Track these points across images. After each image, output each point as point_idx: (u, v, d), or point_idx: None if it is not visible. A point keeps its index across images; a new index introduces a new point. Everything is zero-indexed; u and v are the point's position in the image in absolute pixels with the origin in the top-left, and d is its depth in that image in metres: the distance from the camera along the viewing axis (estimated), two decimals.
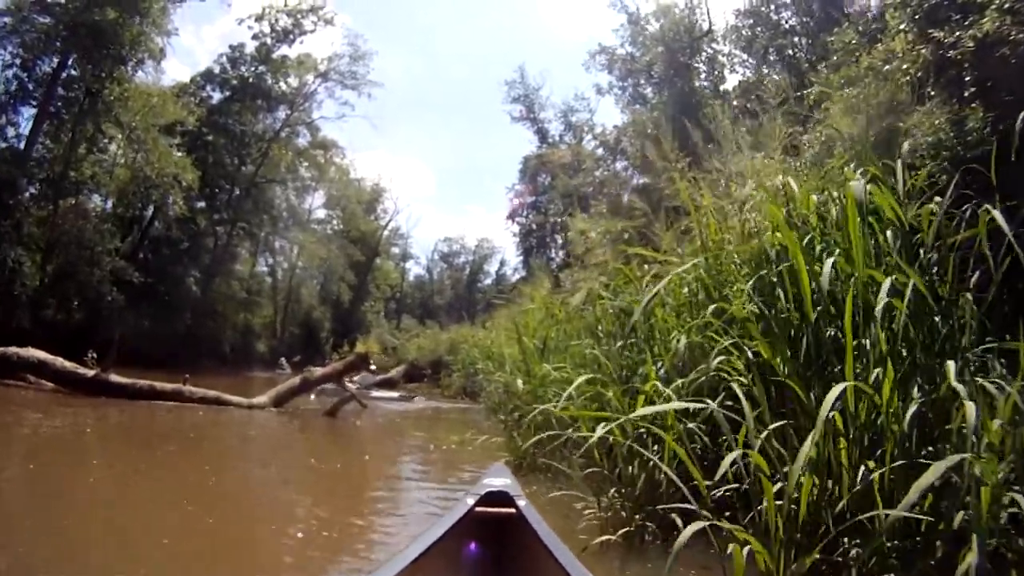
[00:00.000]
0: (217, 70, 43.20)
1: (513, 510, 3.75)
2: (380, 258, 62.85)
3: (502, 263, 72.09)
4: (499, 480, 4.13)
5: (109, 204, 35.48)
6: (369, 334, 43.41)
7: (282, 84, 44.73)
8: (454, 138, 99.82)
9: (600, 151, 38.16)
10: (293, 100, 45.51)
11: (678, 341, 5.58)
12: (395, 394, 20.33)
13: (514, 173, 51.56)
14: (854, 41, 12.23)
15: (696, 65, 30.57)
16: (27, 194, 29.68)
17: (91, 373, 13.89)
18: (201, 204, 40.35)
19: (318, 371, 17.10)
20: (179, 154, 34.48)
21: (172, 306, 35.74)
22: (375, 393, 21.54)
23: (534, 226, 47.95)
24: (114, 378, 13.97)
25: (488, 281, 72.01)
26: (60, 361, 14.00)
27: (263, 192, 45.10)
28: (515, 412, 8.98)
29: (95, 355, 14.44)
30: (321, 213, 57.81)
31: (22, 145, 30.29)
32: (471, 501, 3.76)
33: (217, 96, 42.90)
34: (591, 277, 12.33)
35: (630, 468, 5.34)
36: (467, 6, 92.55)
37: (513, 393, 9.58)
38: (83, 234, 30.32)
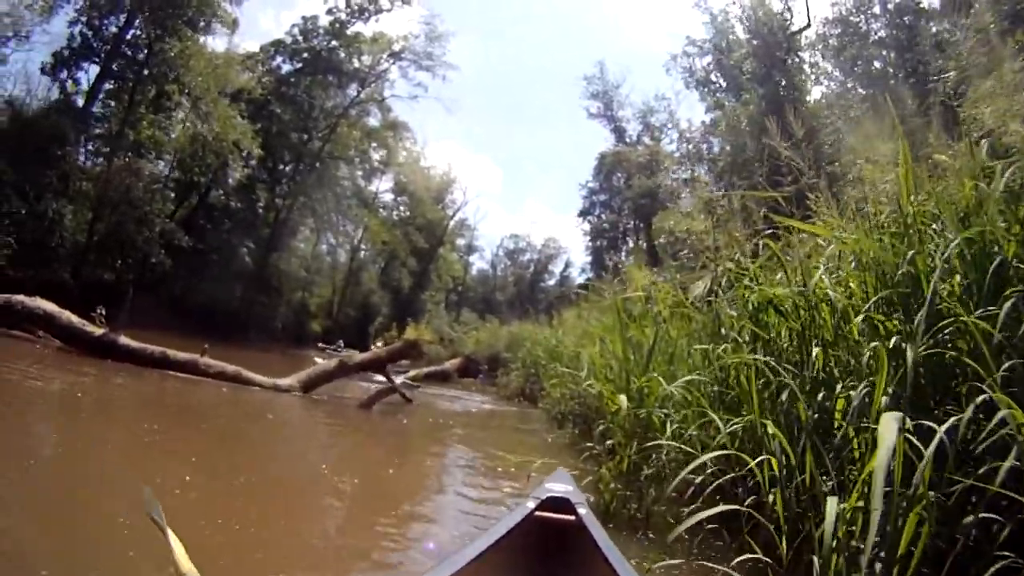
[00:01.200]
0: (288, 41, 41.68)
1: (573, 517, 3.65)
2: (444, 248, 61.37)
3: (567, 264, 71.12)
4: (560, 486, 4.05)
5: (164, 166, 34.42)
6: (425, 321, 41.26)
7: (355, 61, 43.03)
8: (524, 137, 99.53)
9: (684, 149, 35.58)
10: (365, 78, 43.74)
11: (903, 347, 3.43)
12: (415, 385, 17.37)
13: (584, 174, 50.04)
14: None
15: (792, 62, 28.24)
16: (82, 149, 29.53)
17: (99, 332, 12.11)
18: (263, 176, 39.22)
19: (359, 356, 14.88)
20: (241, 121, 33.02)
21: (223, 276, 34.61)
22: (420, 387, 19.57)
23: (606, 225, 45.95)
24: (123, 340, 12.16)
25: (552, 282, 70.98)
26: (68, 315, 12.25)
27: (328, 169, 43.43)
28: (608, 438, 6.52)
29: (103, 312, 12.49)
30: (388, 197, 56.38)
31: (81, 101, 30.62)
32: (531, 505, 3.69)
33: (287, 68, 41.63)
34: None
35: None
36: (545, 3, 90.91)
37: (607, 411, 7.14)
38: (133, 193, 29.32)
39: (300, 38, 41.33)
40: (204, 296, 31.58)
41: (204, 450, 7.17)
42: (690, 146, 32.79)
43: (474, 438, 11.75)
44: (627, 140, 47.75)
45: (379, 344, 15.20)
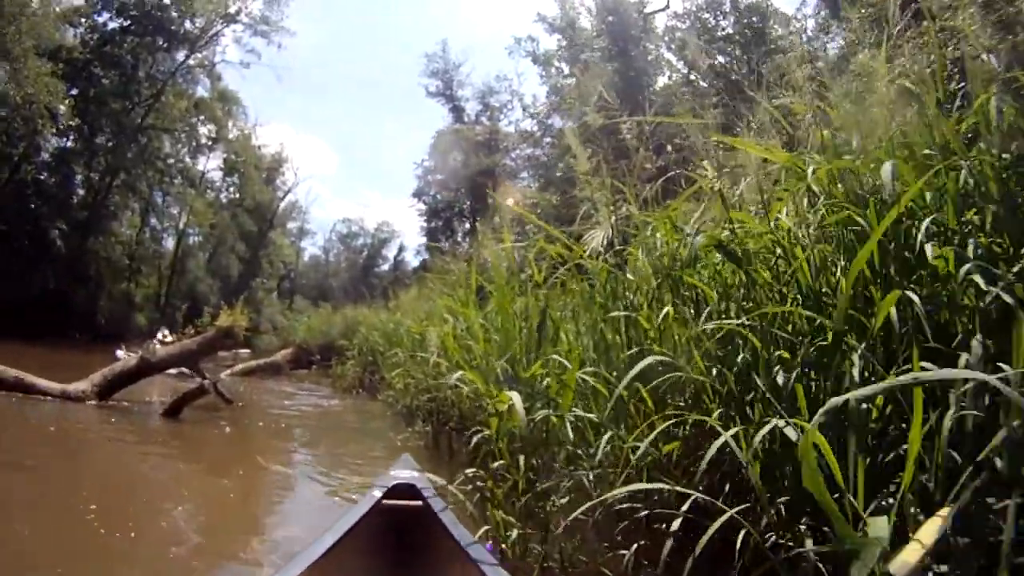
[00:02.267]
0: None
1: (420, 502, 3.74)
2: (275, 232, 58.95)
3: (401, 248, 70.59)
4: (406, 472, 4.13)
5: None
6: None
7: (186, 22, 39.20)
8: (358, 121, 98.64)
9: (528, 126, 34.57)
10: (195, 41, 40.05)
11: None
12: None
13: (419, 158, 48.54)
14: None
15: (645, 45, 27.73)
16: None
17: None
18: (79, 148, 35.65)
19: (163, 350, 12.69)
20: (55, 81, 28.90)
21: (33, 263, 30.64)
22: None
23: (442, 205, 44.71)
24: None
25: (386, 266, 69.85)
26: None
27: (151, 141, 39.70)
28: (490, 454, 4.87)
29: None
30: (216, 176, 52.94)
31: None
32: (378, 494, 3.72)
33: (113, 24, 37.30)
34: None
35: None
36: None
37: (481, 413, 5.69)
38: None
39: None
40: (10, 287, 27.89)
41: None
42: (534, 121, 31.65)
43: (311, 444, 9.98)
44: (465, 120, 46.79)
45: (190, 332, 12.76)
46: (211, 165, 51.41)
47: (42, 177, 33.39)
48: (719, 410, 3.15)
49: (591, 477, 3.73)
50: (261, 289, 55.81)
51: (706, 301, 3.86)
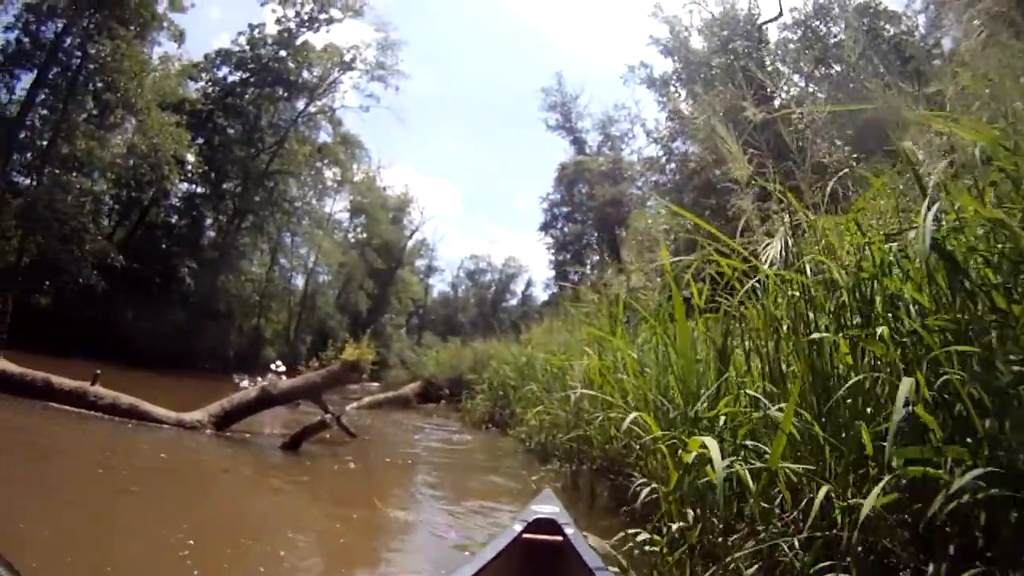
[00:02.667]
0: (234, 49, 38.87)
1: (560, 537, 3.64)
2: (403, 269, 59.18)
3: (529, 283, 70.16)
4: (547, 507, 4.03)
5: (96, 176, 30.86)
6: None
7: (304, 72, 40.33)
8: (482, 161, 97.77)
9: (652, 152, 33.39)
10: (314, 89, 41.08)
11: None
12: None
13: (544, 191, 48.30)
14: None
15: (761, 56, 26.25)
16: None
17: None
18: (207, 193, 36.86)
19: (286, 382, 12.21)
20: (177, 129, 30.22)
21: (165, 299, 31.52)
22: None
23: (570, 238, 44.28)
24: None
25: (514, 301, 68.88)
26: None
27: (277, 185, 40.63)
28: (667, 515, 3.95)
29: None
30: (343, 216, 54.37)
31: (15, 111, 28.15)
32: (518, 528, 3.68)
33: (232, 78, 38.74)
34: None
35: None
36: (500, 27, 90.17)
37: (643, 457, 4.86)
38: (59, 208, 26.73)
39: (247, 47, 38.72)
40: (145, 321, 28.64)
41: (65, 517, 5.04)
42: (658, 146, 30.45)
43: (437, 484, 9.17)
44: (587, 151, 46.12)
45: (315, 365, 12.20)
46: (338, 207, 52.43)
47: (172, 220, 34.78)
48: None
49: (796, 543, 2.93)
50: (390, 325, 56.19)
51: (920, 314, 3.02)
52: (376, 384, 24.03)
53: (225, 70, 38.46)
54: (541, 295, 56.81)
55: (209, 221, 37.77)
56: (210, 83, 37.51)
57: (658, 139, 30.31)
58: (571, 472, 8.25)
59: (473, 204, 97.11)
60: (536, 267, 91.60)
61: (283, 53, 38.89)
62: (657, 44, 31.88)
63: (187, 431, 9.99)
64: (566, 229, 45.04)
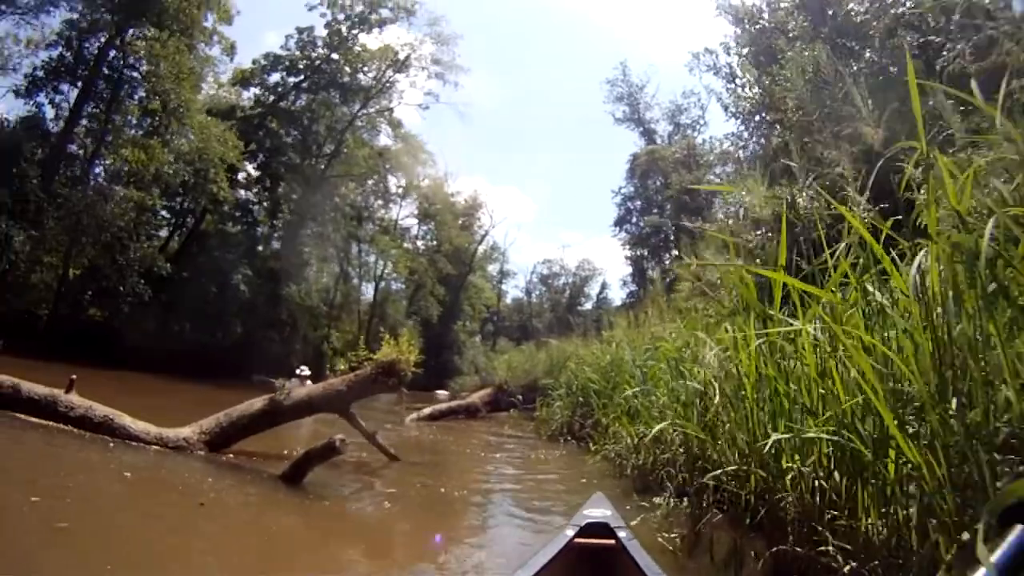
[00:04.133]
0: (284, 54, 37.66)
1: (613, 541, 3.60)
2: (474, 275, 57.82)
3: (603, 286, 68.13)
4: (599, 511, 3.99)
5: (145, 185, 29.50)
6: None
7: (359, 74, 39.07)
8: (551, 166, 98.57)
9: (732, 128, 30.26)
10: (369, 90, 39.59)
11: None
12: None
13: (617, 185, 45.23)
14: None
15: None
16: (42, 167, 26.00)
17: None
18: (258, 197, 36.45)
19: (302, 390, 9.52)
20: (222, 131, 29.41)
21: (220, 309, 30.33)
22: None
23: (647, 230, 41.63)
24: None
25: (588, 305, 65.81)
26: None
27: (337, 189, 39.40)
28: None
29: None
30: (410, 223, 53.20)
31: (60, 124, 27.83)
32: (571, 532, 3.61)
33: (284, 82, 37.58)
34: None
35: None
36: (563, 33, 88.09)
37: None
38: (102, 217, 25.91)
39: (297, 51, 37.41)
40: (201, 332, 27.07)
41: None
42: (738, 121, 27.10)
43: (497, 541, 6.30)
44: (657, 142, 43.97)
45: (343, 369, 9.49)
46: (404, 213, 51.52)
47: (227, 228, 33.54)
48: None
49: None
50: (462, 332, 54.77)
51: None
52: (445, 393, 21.56)
53: (276, 76, 37.58)
54: (617, 298, 54.42)
55: (265, 229, 37.11)
56: (261, 88, 36.95)
57: (737, 113, 26.92)
58: (692, 517, 5.41)
59: (545, 211, 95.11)
60: (611, 270, 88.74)
61: (335, 56, 37.71)
62: (725, 13, 28.70)
63: (171, 451, 7.91)
64: (641, 223, 42.80)
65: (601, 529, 3.68)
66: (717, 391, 5.20)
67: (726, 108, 27.39)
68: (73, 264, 26.42)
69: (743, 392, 4.85)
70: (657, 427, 6.41)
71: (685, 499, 5.82)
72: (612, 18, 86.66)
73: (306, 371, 28.16)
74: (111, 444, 7.62)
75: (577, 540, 3.57)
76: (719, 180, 34.54)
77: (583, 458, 10.68)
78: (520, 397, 18.96)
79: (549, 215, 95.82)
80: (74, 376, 8.26)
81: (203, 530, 5.25)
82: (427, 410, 17.79)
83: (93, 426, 7.84)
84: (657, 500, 6.26)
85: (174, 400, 8.43)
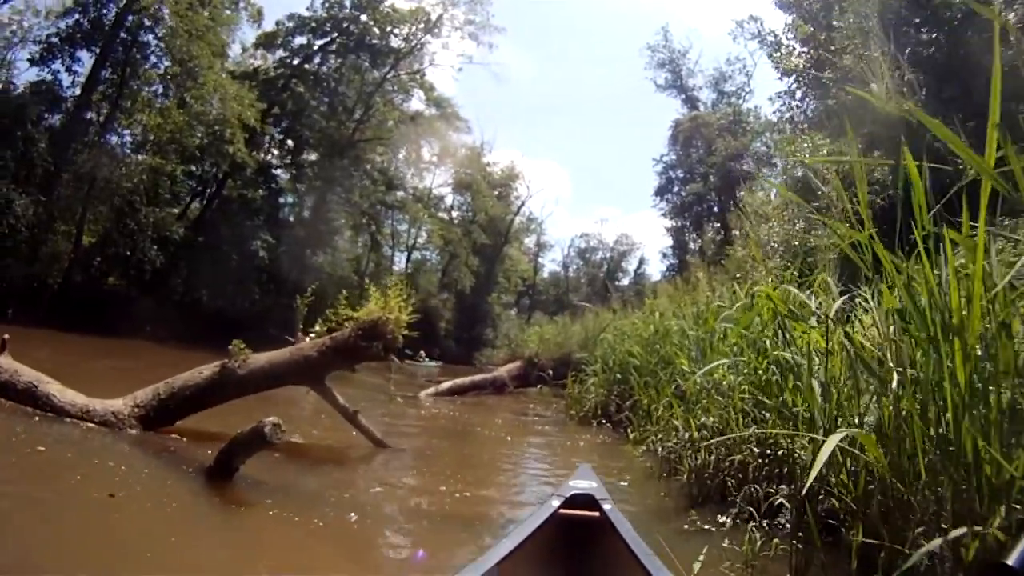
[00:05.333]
0: (308, 14, 35.96)
1: (598, 513, 3.56)
2: (510, 246, 56.08)
3: (641, 261, 66.04)
4: (585, 483, 3.93)
5: (161, 148, 28.60)
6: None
7: (389, 37, 37.20)
8: (588, 140, 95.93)
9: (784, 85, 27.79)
10: (399, 52, 37.71)
11: None
12: None
13: (659, 153, 43.60)
14: None
15: None
16: (54, 133, 25.79)
17: None
18: (280, 161, 35.15)
19: (259, 358, 7.28)
20: (237, 88, 28.54)
21: (241, 276, 29.31)
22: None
23: (689, 198, 39.67)
24: None
25: (626, 280, 63.79)
26: None
27: (365, 154, 37.47)
28: None
29: None
30: (444, 192, 51.73)
31: (76, 90, 27.10)
32: (556, 503, 3.59)
33: (309, 43, 35.99)
34: None
35: None
36: (599, 10, 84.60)
37: None
38: (112, 178, 25.21)
39: (323, 12, 35.69)
40: (218, 298, 26.03)
41: None
42: (791, 78, 24.66)
43: None
44: (700, 110, 41.51)
45: (319, 331, 7.35)
46: (438, 181, 50.06)
47: (248, 194, 32.28)
48: None
49: None
50: (497, 304, 53.27)
51: None
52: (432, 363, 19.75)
53: (301, 39, 36.01)
54: (655, 273, 52.18)
55: (290, 196, 36.31)
56: (285, 50, 35.52)
57: (788, 70, 24.43)
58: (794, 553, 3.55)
59: (582, 184, 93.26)
60: (648, 245, 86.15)
61: (363, 17, 36.03)
62: None
63: (97, 427, 6.35)
64: (683, 193, 40.45)
65: (586, 501, 3.66)
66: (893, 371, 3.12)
67: (777, 65, 24.93)
68: (87, 232, 25.83)
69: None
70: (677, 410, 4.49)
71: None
72: None
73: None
74: (36, 417, 6.25)
75: (562, 511, 3.55)
76: (767, 148, 32.39)
77: (621, 447, 8.69)
78: (551, 372, 16.88)
79: (587, 190, 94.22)
80: (7, 336, 6.84)
81: (84, 525, 4.02)
82: (446, 384, 15.97)
83: (16, 393, 6.47)
84: (723, 519, 4.66)
85: (179, 368, 6.63)
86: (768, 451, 4.79)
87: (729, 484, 5.08)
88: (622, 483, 6.49)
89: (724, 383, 5.75)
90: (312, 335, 7.59)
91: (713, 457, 5.36)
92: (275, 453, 6.01)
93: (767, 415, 4.95)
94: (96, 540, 3.81)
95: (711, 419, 5.60)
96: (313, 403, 8.18)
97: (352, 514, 4.90)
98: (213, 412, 6.91)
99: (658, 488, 6.11)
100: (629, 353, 10.26)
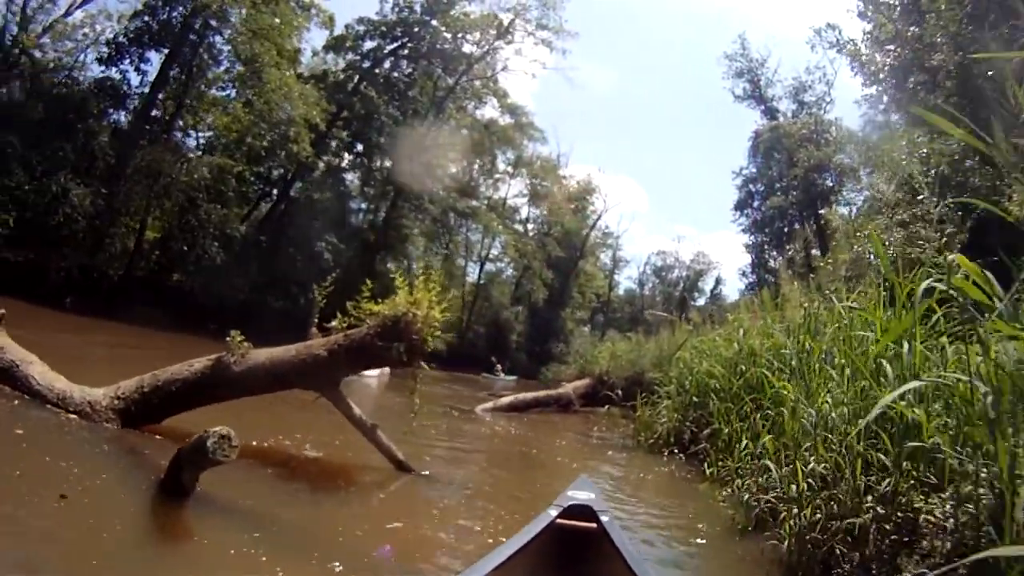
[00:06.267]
0: (377, 19, 35.64)
1: (595, 525, 3.51)
2: (585, 261, 54.39)
3: (718, 281, 63.33)
4: (583, 494, 3.87)
5: (225, 147, 29.14)
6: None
7: (461, 42, 36.90)
8: (665, 156, 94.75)
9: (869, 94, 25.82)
10: (471, 57, 37.25)
11: None
12: None
13: (738, 166, 42.01)
14: None
15: None
16: (117, 128, 26.40)
17: None
18: (349, 165, 35.27)
19: (261, 352, 6.12)
20: (302, 86, 28.44)
21: (307, 278, 27.52)
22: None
23: (770, 213, 37.87)
24: None
25: (702, 301, 61.58)
26: None
27: (436, 159, 36.87)
28: None
29: None
30: (519, 203, 50.70)
31: (145, 89, 27.49)
32: (553, 513, 3.54)
33: (379, 48, 35.81)
34: None
35: None
36: (676, 17, 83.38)
37: None
38: (171, 173, 25.10)
39: (393, 16, 35.32)
40: (279, 297, 26.88)
41: None
42: (877, 83, 22.79)
43: None
44: (781, 120, 39.48)
45: (340, 325, 5.99)
46: (512, 191, 49.52)
47: (315, 195, 32.28)
48: None
49: None
50: (570, 320, 51.85)
51: None
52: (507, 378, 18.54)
53: (370, 43, 35.74)
54: (731, 294, 51.71)
55: (359, 199, 36.19)
56: (355, 54, 35.29)
57: (872, 75, 22.50)
58: None
59: (658, 201, 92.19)
60: (725, 265, 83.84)
61: (434, 22, 35.47)
62: None
63: (73, 416, 5.59)
64: (763, 208, 38.67)
65: (584, 511, 3.59)
66: None
67: (863, 65, 23.10)
68: (150, 227, 26.09)
69: None
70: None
71: None
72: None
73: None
74: (15, 402, 5.69)
75: (559, 521, 3.47)
76: (849, 160, 30.89)
77: (696, 486, 7.27)
78: (620, 392, 15.38)
79: (663, 207, 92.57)
80: (3, 311, 6.30)
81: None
82: (506, 399, 14.76)
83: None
84: None
85: None
86: (898, 512, 3.59)
87: (837, 551, 3.79)
88: (698, 539, 5.12)
89: (834, 415, 4.38)
90: (331, 331, 6.35)
91: (820, 516, 4.00)
92: (268, 468, 4.88)
93: (888, 462, 3.76)
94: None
95: (820, 465, 4.22)
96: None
97: (338, 564, 3.68)
98: (221, 411, 5.82)
99: (742, 549, 4.73)
100: (708, 374, 8.85)
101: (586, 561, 3.40)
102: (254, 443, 6.01)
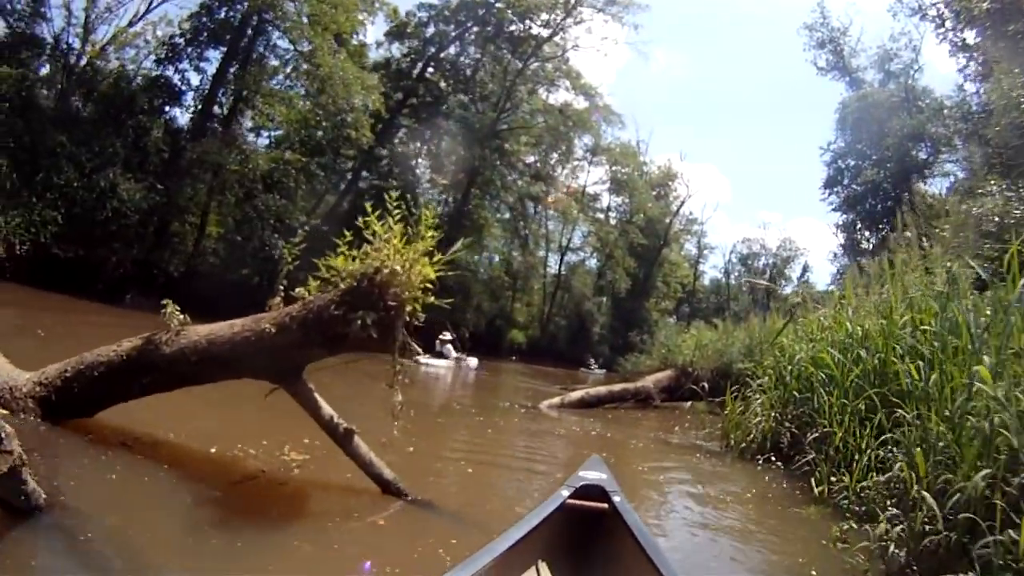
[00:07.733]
0: (439, 3, 34.62)
1: (607, 505, 3.45)
2: (669, 249, 51.90)
3: (805, 268, 59.86)
4: (594, 474, 3.76)
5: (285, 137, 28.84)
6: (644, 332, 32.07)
7: (527, 23, 35.37)
8: (748, 142, 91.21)
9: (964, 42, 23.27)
10: (538, 38, 35.74)
11: None
12: None
13: (826, 141, 38.83)
14: None
15: None
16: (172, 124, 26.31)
17: None
18: (414, 151, 34.64)
19: (201, 329, 4.45)
20: (361, 75, 27.02)
21: None
22: None
23: (859, 189, 34.98)
24: None
25: (788, 289, 58.23)
26: None
27: (508, 145, 35.38)
28: None
29: None
30: (599, 189, 48.64)
31: (207, 87, 27.20)
32: (565, 493, 3.45)
33: (442, 31, 34.75)
34: None
35: None
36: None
37: None
38: (231, 167, 24.81)
39: (454, 0, 34.22)
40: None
41: None
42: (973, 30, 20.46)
43: None
44: (867, 90, 36.73)
45: (304, 293, 4.33)
46: (592, 179, 47.91)
47: (383, 184, 30.54)
48: None
49: None
50: (654, 310, 49.39)
51: None
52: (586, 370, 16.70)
53: (433, 28, 34.77)
54: (820, 282, 46.83)
55: (430, 189, 35.12)
56: (418, 40, 34.51)
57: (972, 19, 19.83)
58: None
59: (742, 188, 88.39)
60: (814, 251, 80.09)
61: (499, 4, 34.17)
62: None
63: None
64: (855, 185, 35.76)
65: (596, 492, 3.52)
66: None
67: (958, 14, 20.59)
68: (211, 222, 26.00)
69: None
70: None
71: None
72: None
73: (448, 336, 24.12)
74: None
75: (570, 501, 3.39)
76: (944, 129, 28.69)
77: (799, 510, 5.48)
78: (706, 385, 13.45)
79: (747, 194, 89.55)
80: None
81: None
82: (576, 393, 13.16)
83: None
84: None
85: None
86: None
87: None
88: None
89: None
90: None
91: None
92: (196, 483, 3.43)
93: None
94: None
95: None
96: (381, 400, 5.15)
97: None
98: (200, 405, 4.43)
99: None
100: (814, 362, 7.04)
101: (598, 541, 3.36)
102: (212, 450, 4.58)
